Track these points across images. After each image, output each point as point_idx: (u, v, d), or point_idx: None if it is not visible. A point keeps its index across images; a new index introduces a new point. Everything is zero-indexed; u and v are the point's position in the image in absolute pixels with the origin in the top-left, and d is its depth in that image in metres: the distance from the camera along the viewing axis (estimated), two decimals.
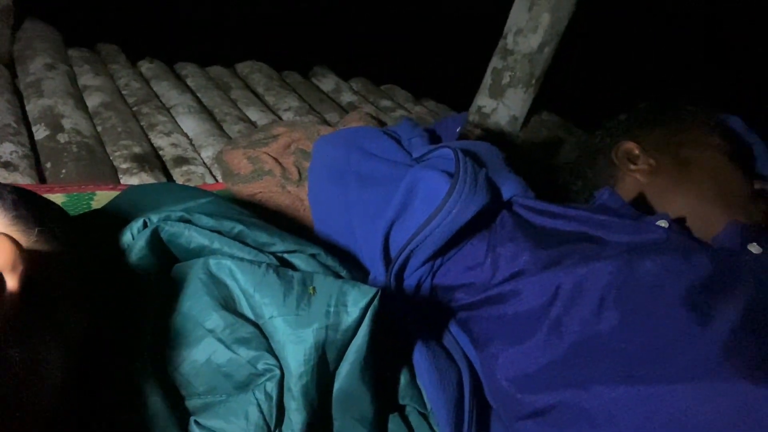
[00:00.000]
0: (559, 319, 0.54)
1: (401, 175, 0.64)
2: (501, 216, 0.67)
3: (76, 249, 0.44)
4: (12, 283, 0.33)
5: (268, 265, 0.49)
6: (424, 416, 0.56)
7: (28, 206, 0.41)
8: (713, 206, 0.68)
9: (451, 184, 0.58)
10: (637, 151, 0.77)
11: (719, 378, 0.45)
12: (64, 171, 0.94)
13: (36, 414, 0.34)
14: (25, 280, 0.34)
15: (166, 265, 0.52)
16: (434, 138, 0.87)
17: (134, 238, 0.50)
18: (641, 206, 0.72)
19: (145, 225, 0.51)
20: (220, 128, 1.26)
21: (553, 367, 0.53)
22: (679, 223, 0.64)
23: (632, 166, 0.76)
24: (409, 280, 0.64)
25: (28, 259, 0.34)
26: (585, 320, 0.53)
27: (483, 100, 1.28)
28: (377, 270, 0.64)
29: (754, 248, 0.57)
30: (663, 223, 0.59)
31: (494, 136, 1.23)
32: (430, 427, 0.55)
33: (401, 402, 0.54)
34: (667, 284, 0.52)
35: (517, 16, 1.18)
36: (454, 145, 0.68)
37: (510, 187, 0.68)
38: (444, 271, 0.65)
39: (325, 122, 1.41)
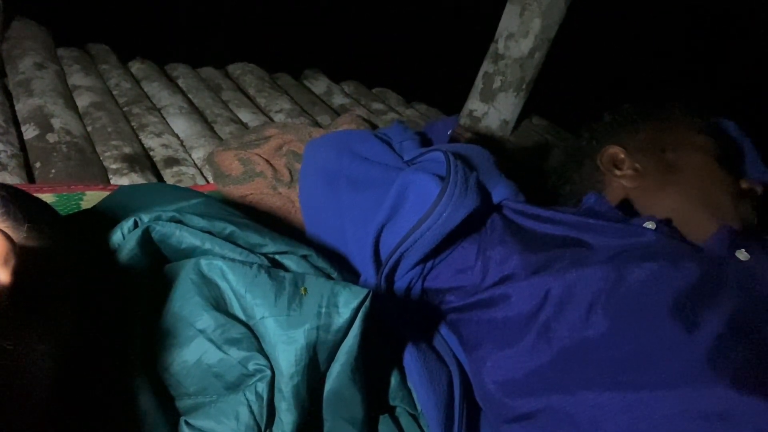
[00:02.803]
0: (548, 325, 0.55)
1: (392, 177, 0.64)
2: (491, 219, 0.67)
3: (66, 246, 0.44)
4: (4, 276, 0.33)
5: (260, 265, 0.48)
6: (414, 417, 0.56)
7: (19, 203, 0.41)
8: (700, 208, 0.67)
9: (442, 188, 0.59)
10: (622, 156, 0.76)
11: (704, 384, 0.46)
12: (53, 171, 0.93)
13: (28, 406, 0.34)
14: (17, 275, 0.34)
15: (157, 265, 0.52)
16: (425, 141, 0.88)
17: (125, 238, 0.49)
18: (629, 210, 0.72)
19: (135, 225, 0.50)
20: (212, 129, 1.25)
21: (540, 372, 0.53)
22: (666, 225, 0.64)
23: (618, 172, 0.75)
24: (400, 283, 0.64)
25: (20, 254, 0.34)
26: (573, 326, 0.53)
27: (474, 104, 1.29)
28: (368, 272, 0.64)
29: (742, 255, 0.58)
30: (650, 225, 0.60)
31: (485, 140, 1.24)
32: (420, 429, 0.55)
33: (392, 403, 0.55)
34: (654, 291, 0.53)
35: (508, 21, 1.19)
36: (446, 148, 0.68)
37: (500, 191, 0.68)
38: (435, 274, 0.65)
39: (317, 125, 1.41)
